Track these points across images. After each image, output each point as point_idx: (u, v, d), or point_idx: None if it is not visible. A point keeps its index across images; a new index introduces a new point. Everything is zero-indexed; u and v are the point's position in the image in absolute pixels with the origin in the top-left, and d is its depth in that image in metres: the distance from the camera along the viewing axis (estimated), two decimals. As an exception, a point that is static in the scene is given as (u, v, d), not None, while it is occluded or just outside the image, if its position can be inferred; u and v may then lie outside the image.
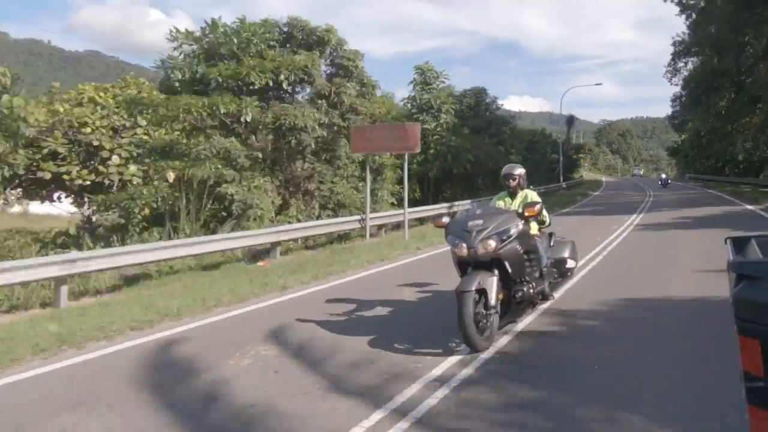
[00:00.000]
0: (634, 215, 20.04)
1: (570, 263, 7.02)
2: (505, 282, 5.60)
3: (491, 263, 5.49)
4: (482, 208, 6.26)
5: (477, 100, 31.02)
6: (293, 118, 14.91)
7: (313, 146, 16.03)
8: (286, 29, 17.43)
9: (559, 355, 5.33)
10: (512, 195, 6.67)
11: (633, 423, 3.78)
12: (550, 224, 6.89)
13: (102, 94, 16.87)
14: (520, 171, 6.72)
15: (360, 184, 17.86)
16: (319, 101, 16.91)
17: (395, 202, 19.83)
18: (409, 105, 25.14)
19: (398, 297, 7.95)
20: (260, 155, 15.15)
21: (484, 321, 5.35)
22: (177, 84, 15.25)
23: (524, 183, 6.71)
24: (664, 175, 49.56)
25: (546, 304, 6.79)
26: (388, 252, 12.16)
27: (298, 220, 15.20)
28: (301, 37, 17.37)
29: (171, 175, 13.72)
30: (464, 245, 5.49)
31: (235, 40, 15.35)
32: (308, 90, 17.61)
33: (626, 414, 3.92)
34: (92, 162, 16.39)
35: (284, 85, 15.73)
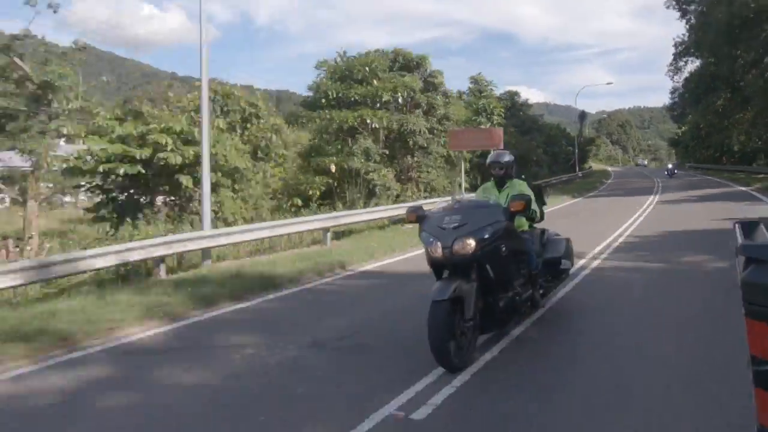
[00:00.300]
0: (652, 195, 25.85)
1: (565, 264, 6.42)
2: (487, 288, 4.90)
3: (470, 266, 4.78)
4: (463, 201, 5.56)
5: (512, 101, 36.83)
6: (411, 124, 20.64)
7: (420, 144, 21.79)
8: (392, 57, 23.13)
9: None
10: (499, 185, 6.06)
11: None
12: (542, 219, 6.31)
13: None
14: (508, 159, 6.07)
15: (441, 173, 23.63)
16: (416, 110, 22.62)
17: (468, 186, 25.62)
18: (465, 108, 30.88)
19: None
20: (386, 152, 20.89)
21: (461, 335, 4.64)
22: (323, 101, 20.93)
23: (513, 172, 6.08)
24: (671, 165, 48.80)
25: (539, 312, 6.18)
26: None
27: (413, 200, 20.94)
28: (402, 62, 23.06)
29: (333, 167, 19.45)
30: (439, 244, 4.78)
31: (367, 68, 21.02)
32: (409, 102, 23.34)
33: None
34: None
35: (399, 100, 21.44)
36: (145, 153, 12.13)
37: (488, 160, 6.16)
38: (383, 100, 20.74)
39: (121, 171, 11.99)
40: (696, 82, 41.84)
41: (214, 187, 13.05)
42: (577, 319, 6.34)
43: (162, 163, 12.07)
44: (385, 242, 13.01)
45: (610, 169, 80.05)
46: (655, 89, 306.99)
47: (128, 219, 11.84)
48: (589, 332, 5.84)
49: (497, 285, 4.97)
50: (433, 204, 17.88)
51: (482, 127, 27.60)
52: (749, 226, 2.85)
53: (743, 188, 27.49)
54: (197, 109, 14.48)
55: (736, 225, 2.83)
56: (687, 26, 40.73)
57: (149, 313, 6.96)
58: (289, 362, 5.20)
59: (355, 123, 19.55)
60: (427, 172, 22.81)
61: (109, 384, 4.87)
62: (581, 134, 58.56)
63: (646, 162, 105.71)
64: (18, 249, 16.38)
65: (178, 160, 12.08)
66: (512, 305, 5.19)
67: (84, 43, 21.06)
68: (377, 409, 4.01)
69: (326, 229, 13.49)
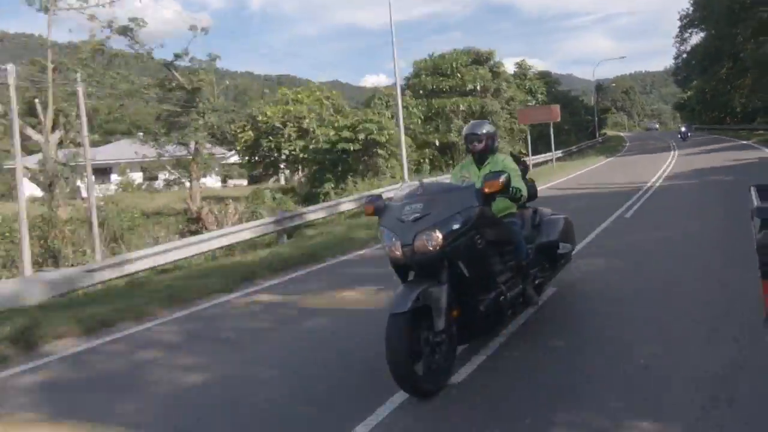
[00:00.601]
0: (672, 151, 32.37)
1: (564, 248, 5.45)
2: (464, 289, 3.98)
3: (439, 265, 3.86)
4: (427, 185, 4.46)
5: (545, 81, 43.19)
6: (490, 106, 27.20)
7: (495, 122, 28.40)
8: (467, 52, 29.60)
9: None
10: (479, 162, 5.03)
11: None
12: (530, 198, 5.22)
13: (303, 96, 28.92)
14: (487, 129, 5.06)
15: (505, 143, 30.19)
16: (488, 94, 29.12)
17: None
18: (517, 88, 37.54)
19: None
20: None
21: (431, 353, 3.74)
22: (421, 91, 27.45)
23: (495, 145, 5.06)
24: (683, 128, 45.02)
25: (532, 309, 5.19)
26: (561, 172, 24.52)
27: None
28: (475, 57, 29.52)
29: (436, 142, 26.06)
30: (398, 243, 3.88)
31: (453, 63, 27.51)
32: (478, 88, 29.87)
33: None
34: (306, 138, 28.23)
35: (478, 87, 27.98)
36: (360, 136, 18.66)
37: (464, 132, 5.18)
38: (467, 88, 27.23)
39: (351, 147, 18.59)
40: (702, 54, 47.94)
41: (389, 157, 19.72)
42: (657, 218, 13.01)
43: (370, 141, 18.62)
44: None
45: (622, 134, 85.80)
46: (655, 54, 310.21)
47: (350, 178, 18.37)
48: (679, 207, 12.51)
49: (476, 285, 4.03)
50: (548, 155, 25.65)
51: (530, 104, 34.14)
52: (765, 189, 2.73)
53: (745, 142, 33.98)
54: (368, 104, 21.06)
55: (752, 188, 2.76)
56: (692, 1, 46.95)
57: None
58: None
59: (451, 107, 26.10)
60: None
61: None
62: (597, 103, 64.65)
63: (657, 125, 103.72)
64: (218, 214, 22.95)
65: (382, 139, 18.57)
66: (497, 307, 4.20)
67: (216, 55, 27.45)
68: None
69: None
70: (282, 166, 32.21)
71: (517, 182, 4.73)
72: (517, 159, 5.56)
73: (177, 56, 25.23)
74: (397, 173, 19.89)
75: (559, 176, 23.13)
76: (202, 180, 35.56)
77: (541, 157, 30.65)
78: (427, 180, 4.70)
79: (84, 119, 17.14)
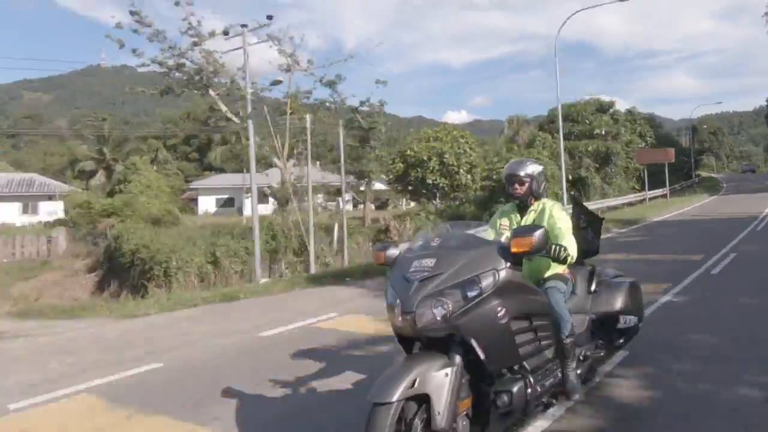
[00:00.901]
0: (776, 191, 36.00)
1: (626, 321, 4.43)
2: (480, 373, 3.16)
3: (450, 339, 3.07)
4: (447, 235, 3.56)
5: (651, 125, 47.56)
6: (614, 148, 32.15)
7: (614, 162, 33.29)
8: (592, 101, 34.82)
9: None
10: (521, 209, 4.08)
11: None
12: (590, 254, 4.50)
13: (442, 135, 34.51)
14: (531, 169, 4.00)
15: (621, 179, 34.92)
16: (608, 137, 34.03)
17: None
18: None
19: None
20: (597, 165, 32.54)
21: None
22: (555, 134, 32.77)
23: (542, 188, 4.05)
24: None
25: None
26: (673, 206, 28.95)
27: (614, 194, 32.33)
28: (598, 105, 34.64)
29: (570, 177, 31.20)
30: (399, 308, 3.06)
31: (583, 112, 32.76)
32: (603, 132, 34.80)
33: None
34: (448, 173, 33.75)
35: (603, 132, 33.05)
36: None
37: (504, 172, 4.10)
38: (594, 132, 32.33)
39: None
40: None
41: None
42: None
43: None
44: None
45: (714, 175, 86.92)
46: (742, 93, 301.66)
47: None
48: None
49: (494, 370, 3.16)
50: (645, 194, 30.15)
51: (640, 145, 38.62)
52: None
53: None
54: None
55: None
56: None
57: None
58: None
59: (582, 148, 31.25)
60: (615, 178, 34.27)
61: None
62: (693, 144, 67.71)
63: (754, 167, 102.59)
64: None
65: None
66: (520, 401, 3.21)
67: (385, 101, 33.81)
68: None
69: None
70: (424, 192, 38.22)
71: (563, 237, 3.70)
72: (578, 204, 4.83)
73: (362, 103, 32.03)
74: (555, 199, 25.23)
75: (672, 209, 27.58)
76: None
77: (650, 193, 35.16)
78: (450, 224, 3.68)
79: (309, 151, 23.49)
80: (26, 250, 22.70)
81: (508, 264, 3.20)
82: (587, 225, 4.62)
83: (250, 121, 17.48)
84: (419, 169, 35.30)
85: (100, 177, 49.43)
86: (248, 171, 18.45)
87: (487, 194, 25.41)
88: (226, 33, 18.45)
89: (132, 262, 18.68)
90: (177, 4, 18.35)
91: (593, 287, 4.32)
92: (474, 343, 3.03)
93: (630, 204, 31.06)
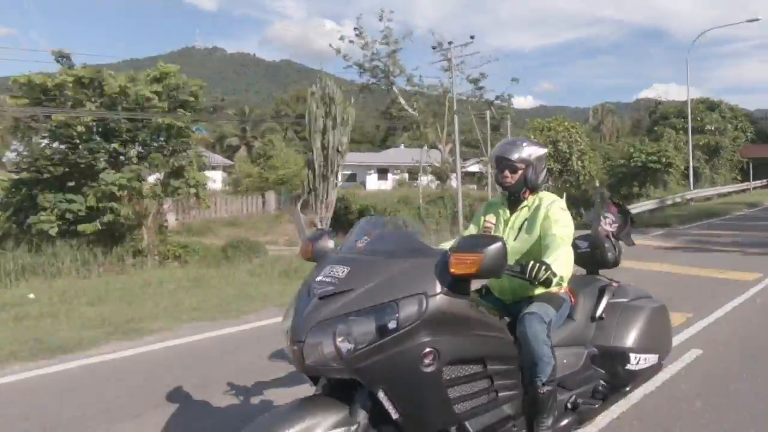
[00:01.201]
0: None
1: (640, 360, 3.17)
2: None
3: (355, 383, 2.15)
4: (384, 230, 2.61)
5: (751, 120, 50.44)
6: (723, 143, 36.08)
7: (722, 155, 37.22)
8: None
9: None
10: (512, 203, 3.04)
11: None
12: (608, 265, 3.52)
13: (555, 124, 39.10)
14: (528, 152, 2.92)
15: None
16: (716, 133, 37.82)
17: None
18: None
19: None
20: (707, 157, 36.63)
21: None
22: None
23: (539, 178, 2.97)
24: None
25: None
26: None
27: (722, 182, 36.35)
28: (709, 104, 38.49)
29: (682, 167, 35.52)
30: (289, 334, 2.20)
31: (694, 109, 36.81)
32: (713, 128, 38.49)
33: None
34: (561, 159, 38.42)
35: (713, 128, 36.98)
36: (663, 159, 29.28)
37: (491, 153, 3.08)
38: (705, 128, 36.35)
39: (654, 166, 29.25)
40: None
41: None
42: None
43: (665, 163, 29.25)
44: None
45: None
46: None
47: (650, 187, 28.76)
48: None
49: (417, 427, 2.18)
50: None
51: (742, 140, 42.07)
52: None
53: None
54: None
55: None
56: None
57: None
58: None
59: (693, 143, 35.46)
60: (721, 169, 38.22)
61: None
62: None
63: None
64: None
65: (676, 161, 28.97)
66: None
67: (512, 94, 39.02)
68: None
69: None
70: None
71: (555, 249, 2.59)
72: (604, 197, 3.65)
73: (497, 97, 37.24)
74: (676, 185, 29.83)
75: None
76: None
77: (753, 183, 38.86)
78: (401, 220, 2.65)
79: (457, 139, 28.85)
80: (245, 209, 29.43)
81: (445, 289, 2.13)
82: (619, 224, 3.59)
83: (456, 117, 23.11)
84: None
85: (242, 152, 56.93)
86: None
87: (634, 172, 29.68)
88: (434, 48, 24.25)
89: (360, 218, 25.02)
90: (381, 19, 24.17)
91: (600, 311, 3.12)
92: (382, 395, 2.05)
93: (738, 192, 34.81)
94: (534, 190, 2.98)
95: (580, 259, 3.35)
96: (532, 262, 2.39)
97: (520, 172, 2.91)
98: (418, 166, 31.45)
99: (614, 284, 3.37)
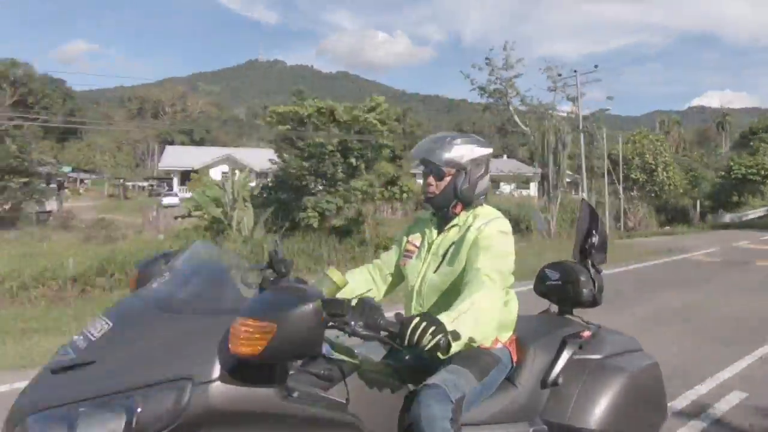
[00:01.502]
0: None
1: None
2: None
3: None
4: (202, 257, 1.85)
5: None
6: None
7: None
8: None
9: None
10: (441, 219, 2.22)
11: None
12: (587, 304, 2.56)
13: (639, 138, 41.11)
14: (460, 153, 2.09)
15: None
16: None
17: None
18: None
19: None
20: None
21: None
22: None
23: (476, 188, 2.13)
24: None
25: None
26: None
27: None
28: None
29: None
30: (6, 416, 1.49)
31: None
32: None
33: None
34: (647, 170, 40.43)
35: None
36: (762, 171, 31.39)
37: (412, 153, 2.27)
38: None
39: (754, 178, 31.32)
40: None
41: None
42: None
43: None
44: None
45: None
46: None
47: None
48: None
49: None
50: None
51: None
52: None
53: None
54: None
55: None
56: None
57: None
58: None
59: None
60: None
61: None
62: None
63: None
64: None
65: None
66: None
67: (607, 108, 41.46)
68: None
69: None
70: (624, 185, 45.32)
71: (476, 291, 1.84)
72: (591, 209, 2.76)
73: (592, 114, 39.85)
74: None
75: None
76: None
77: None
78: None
79: (583, 154, 31.49)
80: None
81: (225, 373, 1.43)
82: (593, 249, 2.60)
83: (581, 135, 26.08)
84: (625, 166, 42.67)
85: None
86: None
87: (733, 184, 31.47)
88: (559, 74, 27.42)
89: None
90: (504, 48, 27.48)
91: (555, 373, 2.16)
92: None
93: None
94: (467, 204, 2.12)
95: (549, 294, 2.64)
96: (416, 319, 1.56)
97: (447, 178, 2.08)
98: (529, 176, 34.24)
99: (585, 333, 2.34)
